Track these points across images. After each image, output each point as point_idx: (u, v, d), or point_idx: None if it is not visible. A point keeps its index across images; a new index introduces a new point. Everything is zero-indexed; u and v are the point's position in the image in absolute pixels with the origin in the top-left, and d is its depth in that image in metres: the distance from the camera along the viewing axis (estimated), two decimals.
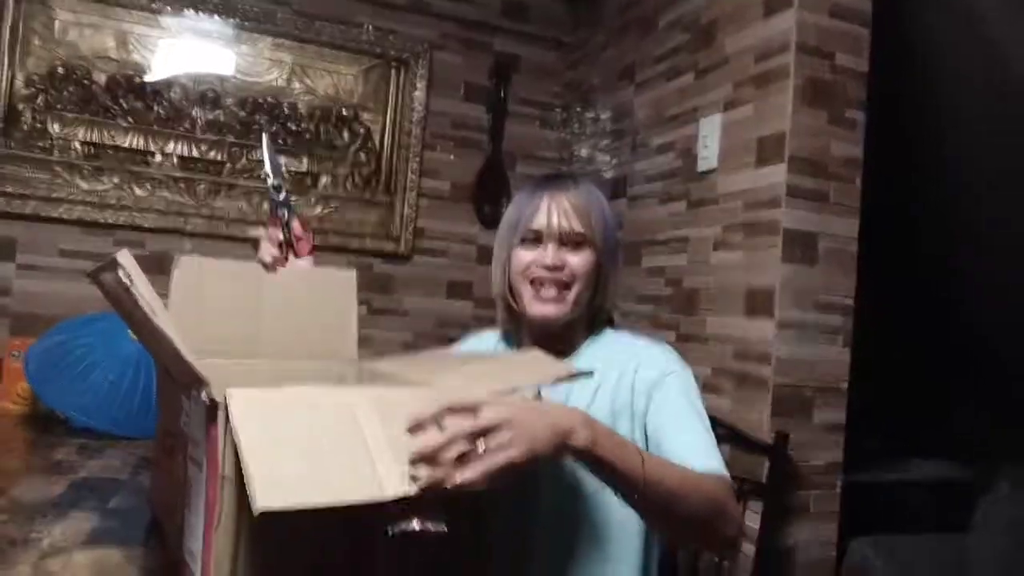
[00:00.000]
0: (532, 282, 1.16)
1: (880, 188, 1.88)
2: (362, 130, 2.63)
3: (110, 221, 2.35)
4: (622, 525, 1.09)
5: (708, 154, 2.03)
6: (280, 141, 2.51)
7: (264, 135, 1.27)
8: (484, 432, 0.73)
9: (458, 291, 2.74)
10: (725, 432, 1.76)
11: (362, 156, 2.63)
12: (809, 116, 1.80)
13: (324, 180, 2.57)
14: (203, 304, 1.07)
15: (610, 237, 1.21)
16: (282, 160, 2.48)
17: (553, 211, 1.16)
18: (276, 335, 1.09)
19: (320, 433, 0.68)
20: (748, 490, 1.73)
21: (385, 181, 2.65)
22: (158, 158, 2.41)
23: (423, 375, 0.96)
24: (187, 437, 0.83)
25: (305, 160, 2.55)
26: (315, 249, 1.18)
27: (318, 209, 2.53)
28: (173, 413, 0.91)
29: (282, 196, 1.15)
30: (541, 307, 1.16)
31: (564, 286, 1.16)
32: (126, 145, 2.37)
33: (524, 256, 1.17)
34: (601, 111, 2.65)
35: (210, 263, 1.10)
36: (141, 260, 0.78)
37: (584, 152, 2.71)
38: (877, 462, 2.25)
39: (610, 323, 1.27)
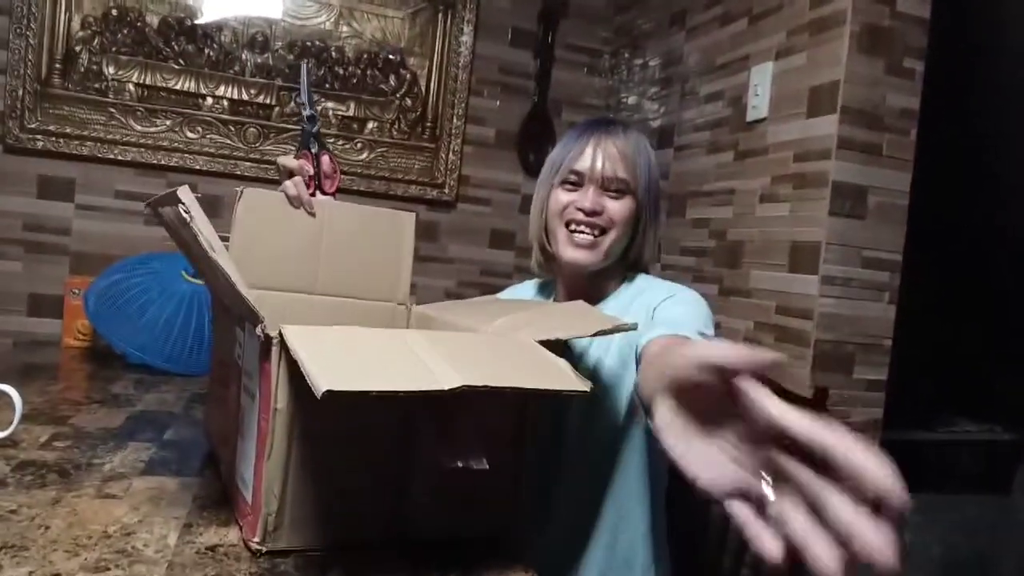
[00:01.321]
0: (568, 224, 1.16)
1: (934, 141, 1.82)
2: (408, 75, 2.62)
3: (163, 163, 2.39)
4: (635, 456, 1.12)
5: (758, 103, 1.98)
6: (327, 85, 2.52)
7: (303, 64, 1.28)
8: None
9: (501, 240, 2.75)
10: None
11: (408, 101, 2.63)
12: (865, 65, 1.74)
13: (370, 126, 2.58)
14: (264, 237, 1.10)
15: (653, 189, 1.20)
16: (323, 102, 2.49)
17: (598, 155, 1.15)
18: (333, 273, 1.12)
19: (375, 351, 0.69)
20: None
21: (431, 127, 2.65)
22: (208, 101, 2.44)
23: (468, 320, 0.98)
24: (241, 369, 0.86)
25: (351, 105, 2.56)
26: (338, 191, 1.19)
27: (364, 155, 2.55)
28: (228, 345, 0.94)
29: (315, 128, 1.16)
30: (573, 251, 1.16)
31: (600, 231, 1.16)
32: (178, 88, 2.41)
33: (563, 197, 1.17)
34: (650, 58, 2.60)
35: (274, 197, 1.12)
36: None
37: (631, 100, 2.67)
38: (920, 420, 2.23)
39: (644, 271, 1.27)
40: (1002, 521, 1.77)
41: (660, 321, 1.04)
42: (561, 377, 0.67)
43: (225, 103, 2.46)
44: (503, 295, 1.42)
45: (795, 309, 1.79)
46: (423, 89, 2.64)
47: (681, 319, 1.04)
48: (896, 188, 1.79)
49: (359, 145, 2.55)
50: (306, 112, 1.16)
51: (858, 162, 1.75)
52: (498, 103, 2.71)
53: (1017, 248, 2.16)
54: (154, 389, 1.68)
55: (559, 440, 1.14)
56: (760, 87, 1.98)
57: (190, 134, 2.42)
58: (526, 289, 1.39)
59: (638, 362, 0.84)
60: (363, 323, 1.09)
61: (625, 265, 1.23)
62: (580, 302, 1.01)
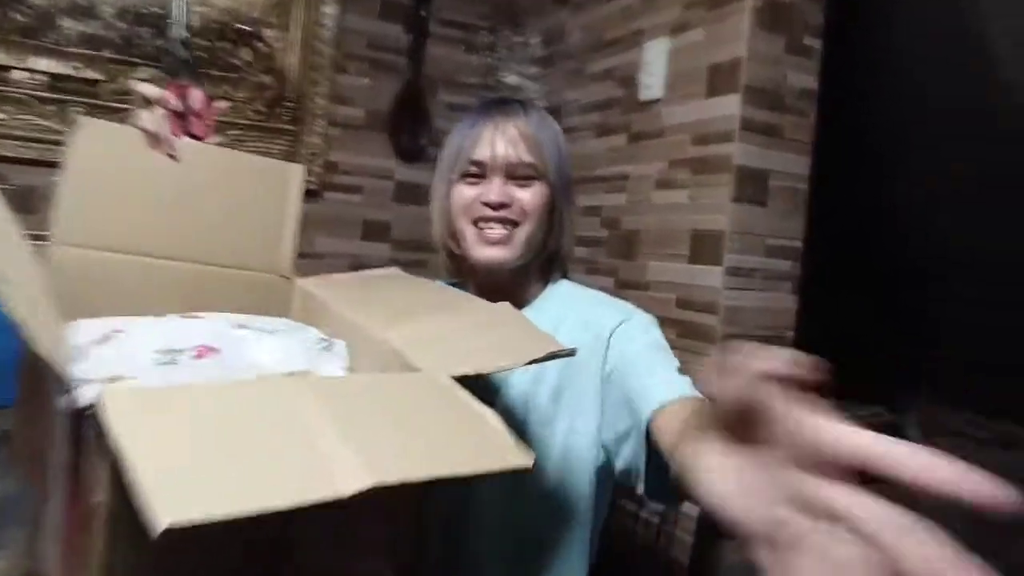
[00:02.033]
0: (475, 222, 1.00)
1: (832, 124, 1.76)
2: (265, 49, 2.33)
3: None
4: (577, 538, 0.96)
5: (652, 82, 1.85)
6: (166, 61, 2.19)
7: None
8: None
9: (375, 232, 2.51)
10: None
11: (265, 79, 2.33)
12: (766, 42, 1.64)
13: (221, 106, 2.26)
14: (106, 183, 0.82)
15: (565, 171, 1.04)
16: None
17: (498, 139, 0.99)
18: (197, 234, 0.86)
19: (246, 429, 0.46)
20: None
21: (292, 107, 2.37)
22: (17, 75, 2.06)
23: (364, 316, 0.77)
24: (51, 417, 0.62)
25: (199, 82, 2.24)
26: (212, 132, 0.93)
27: (216, 138, 2.23)
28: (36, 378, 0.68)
29: (186, 55, 0.89)
30: (486, 250, 1.00)
31: (512, 225, 0.99)
32: None
33: (466, 192, 1.01)
34: (531, 34, 2.43)
35: (124, 132, 0.84)
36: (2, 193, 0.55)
37: (512, 79, 2.49)
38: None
39: (564, 274, 1.11)
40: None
41: (643, 370, 0.91)
42: (495, 447, 0.48)
43: (42, 78, 2.08)
44: None
45: (698, 303, 1.68)
46: (282, 65, 2.35)
47: (665, 365, 0.92)
48: (797, 172, 1.71)
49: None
50: (180, 34, 0.88)
51: (760, 145, 1.65)
52: (367, 81, 2.46)
53: (915, 233, 2.16)
54: None
55: (468, 524, 0.95)
56: (654, 65, 1.85)
57: None
58: None
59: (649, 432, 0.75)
60: (233, 300, 0.85)
61: (544, 261, 1.06)
62: (506, 306, 0.83)
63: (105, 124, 0.83)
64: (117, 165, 0.83)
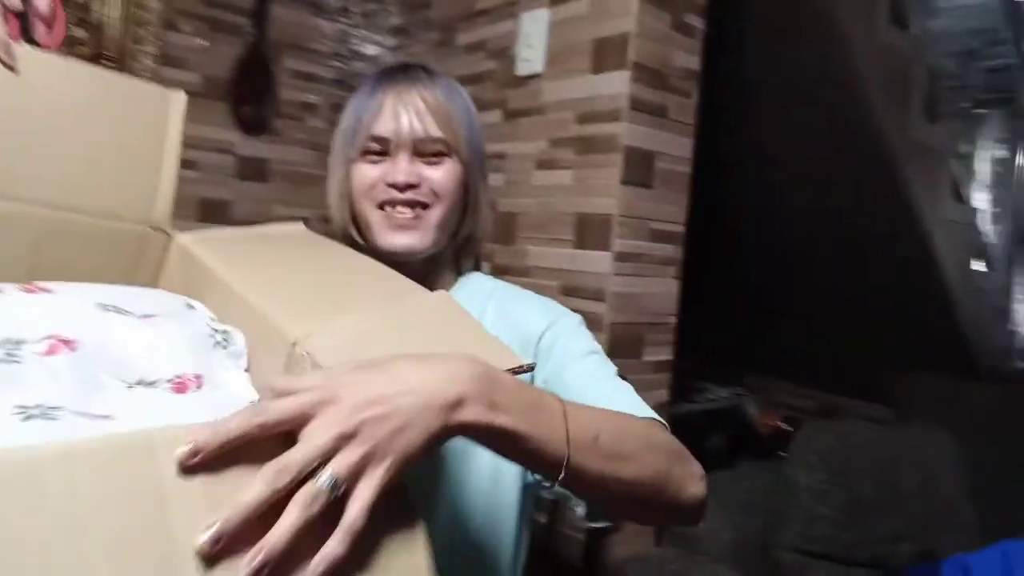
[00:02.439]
0: (381, 206, 0.87)
1: (714, 106, 1.73)
2: None
3: None
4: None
5: (531, 56, 1.74)
6: None
7: None
8: (324, 459, 0.44)
9: (214, 212, 2.24)
10: None
11: (78, 32, 1.99)
12: (653, 18, 1.57)
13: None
14: None
15: (477, 145, 0.93)
16: None
17: (402, 112, 0.86)
18: (44, 169, 0.64)
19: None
20: None
21: (112, 68, 2.05)
22: None
23: (269, 298, 0.59)
24: None
25: None
26: (61, 42, 0.69)
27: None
28: None
29: None
30: (394, 236, 0.87)
31: (422, 207, 0.87)
32: None
33: (367, 172, 0.88)
34: (392, 1, 2.25)
35: None
36: None
37: (370, 50, 2.30)
38: (683, 392, 2.20)
39: (476, 264, 0.98)
40: (780, 489, 1.75)
41: (587, 386, 0.79)
42: None
43: None
44: None
45: (585, 289, 1.60)
46: (100, 18, 2.02)
47: (611, 380, 0.82)
48: (680, 155, 1.67)
49: None
50: None
51: (647, 125, 1.59)
52: (203, 42, 2.18)
53: (770, 218, 2.20)
54: None
55: None
56: (533, 37, 1.74)
57: None
58: None
59: None
60: (91, 257, 0.65)
61: (456, 249, 0.93)
62: (444, 296, 0.69)
63: None
64: None
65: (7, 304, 0.51)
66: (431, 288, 0.87)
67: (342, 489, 0.44)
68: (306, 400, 0.45)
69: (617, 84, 1.55)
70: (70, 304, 0.53)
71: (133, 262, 0.69)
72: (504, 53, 1.84)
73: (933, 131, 2.44)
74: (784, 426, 3.09)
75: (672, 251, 1.68)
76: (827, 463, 1.71)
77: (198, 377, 0.53)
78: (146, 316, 0.56)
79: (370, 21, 2.32)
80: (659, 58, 1.59)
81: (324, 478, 0.43)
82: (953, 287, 2.53)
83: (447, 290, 0.91)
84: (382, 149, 0.86)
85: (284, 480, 0.42)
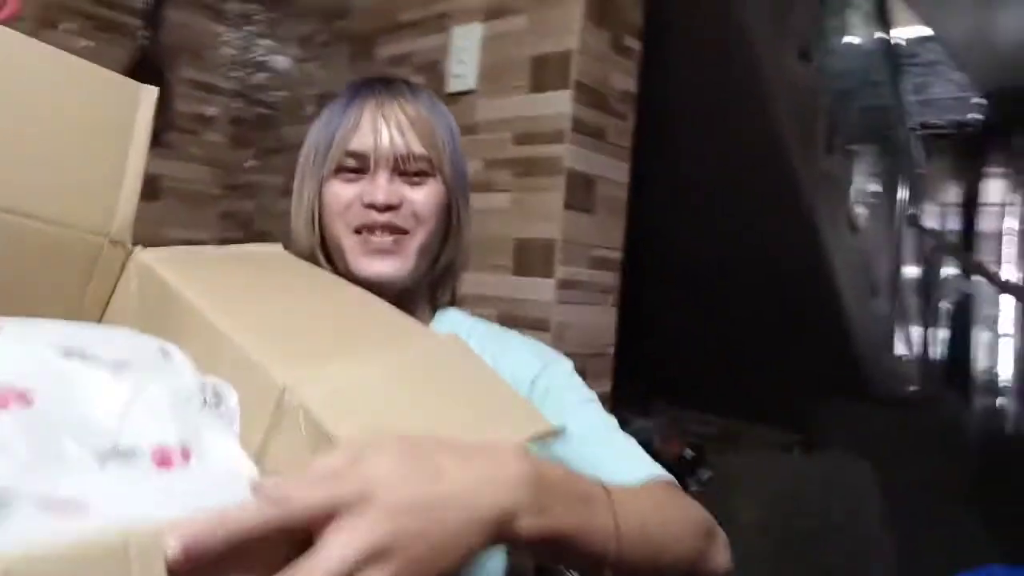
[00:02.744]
0: (357, 230, 0.78)
1: (646, 130, 1.71)
2: None
3: None
4: None
5: (464, 71, 1.66)
6: None
7: None
8: (356, 569, 0.36)
9: None
10: None
11: None
12: (594, 37, 1.53)
13: None
14: None
15: (460, 165, 0.87)
16: None
17: (382, 126, 0.78)
18: None
19: None
20: None
21: None
22: None
23: (277, 353, 0.48)
24: None
25: None
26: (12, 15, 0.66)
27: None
28: None
29: None
30: (371, 263, 0.78)
31: (402, 233, 0.79)
32: None
33: (342, 192, 0.79)
34: (302, 9, 2.11)
35: None
36: None
37: (281, 61, 2.14)
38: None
39: (453, 297, 0.90)
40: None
41: (592, 440, 0.72)
42: None
43: None
44: None
45: (526, 318, 1.52)
46: None
47: (614, 433, 0.75)
48: (617, 179, 1.63)
49: None
50: None
51: (588, 148, 1.53)
52: (88, 43, 1.96)
53: (729, 241, 2.21)
54: None
55: None
56: (466, 52, 1.66)
57: None
58: None
59: None
60: (36, 272, 0.56)
61: (434, 279, 0.84)
62: (454, 340, 0.60)
63: None
64: None
65: None
66: None
67: None
68: (336, 495, 0.37)
69: (559, 104, 1.49)
70: (24, 346, 0.42)
71: (85, 278, 0.59)
72: (432, 68, 1.74)
73: (832, 162, 2.54)
74: (688, 453, 3.12)
75: (611, 278, 1.63)
76: (769, 496, 1.69)
77: (184, 448, 0.42)
78: (117, 364, 0.44)
79: (277, 30, 2.17)
80: (599, 78, 1.54)
81: None
82: (850, 314, 2.63)
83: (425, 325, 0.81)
84: (359, 166, 0.78)
85: None
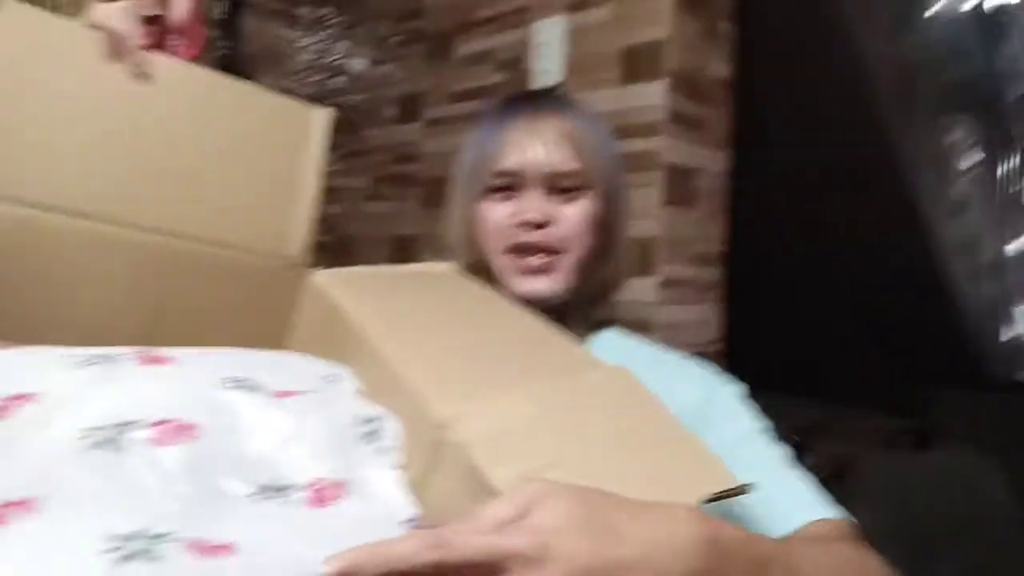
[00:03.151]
0: (510, 251, 0.76)
1: (744, 118, 1.62)
2: None
3: None
4: None
5: (548, 67, 1.60)
6: None
7: None
8: None
9: None
10: None
11: None
12: (685, 24, 1.45)
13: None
14: (37, 105, 0.52)
15: (618, 180, 0.82)
16: None
17: (533, 142, 0.75)
18: (170, 191, 0.56)
19: None
20: None
21: None
22: None
23: (442, 388, 0.47)
24: None
25: None
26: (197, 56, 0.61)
27: None
28: None
29: None
30: (525, 282, 0.76)
31: (553, 252, 0.76)
32: None
33: (494, 213, 0.77)
34: (377, 11, 2.09)
35: (68, 31, 0.54)
36: None
37: (358, 65, 2.12)
38: None
39: (611, 318, 0.86)
40: None
41: (761, 468, 0.64)
42: None
43: None
44: None
45: (628, 320, 1.45)
46: None
47: (785, 468, 0.69)
48: (717, 171, 1.55)
49: None
50: None
51: (686, 140, 1.46)
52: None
53: (841, 234, 2.12)
54: None
55: None
56: (549, 47, 1.60)
57: None
58: None
59: None
60: (213, 294, 0.58)
61: (591, 293, 0.81)
62: (623, 372, 0.55)
63: (41, 15, 0.52)
64: (57, 79, 0.52)
65: (118, 379, 0.41)
66: None
67: None
68: (506, 546, 0.35)
69: (653, 95, 1.42)
70: (193, 378, 0.43)
71: (265, 301, 0.61)
72: (514, 65, 1.69)
73: (935, 139, 2.39)
74: (793, 438, 3.01)
75: (714, 274, 1.55)
76: (892, 499, 1.60)
77: (340, 484, 0.42)
78: (281, 394, 0.45)
79: (351, 33, 2.15)
80: (693, 67, 1.47)
81: None
82: (957, 297, 2.48)
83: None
84: (510, 184, 0.76)
85: None
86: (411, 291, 0.67)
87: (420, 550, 0.34)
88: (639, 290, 1.44)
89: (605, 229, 0.79)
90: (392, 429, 0.46)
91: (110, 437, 0.37)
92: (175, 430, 0.39)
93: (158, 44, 0.57)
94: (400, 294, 0.65)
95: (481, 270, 0.77)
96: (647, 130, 1.44)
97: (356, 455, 0.43)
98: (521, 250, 0.75)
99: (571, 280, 0.76)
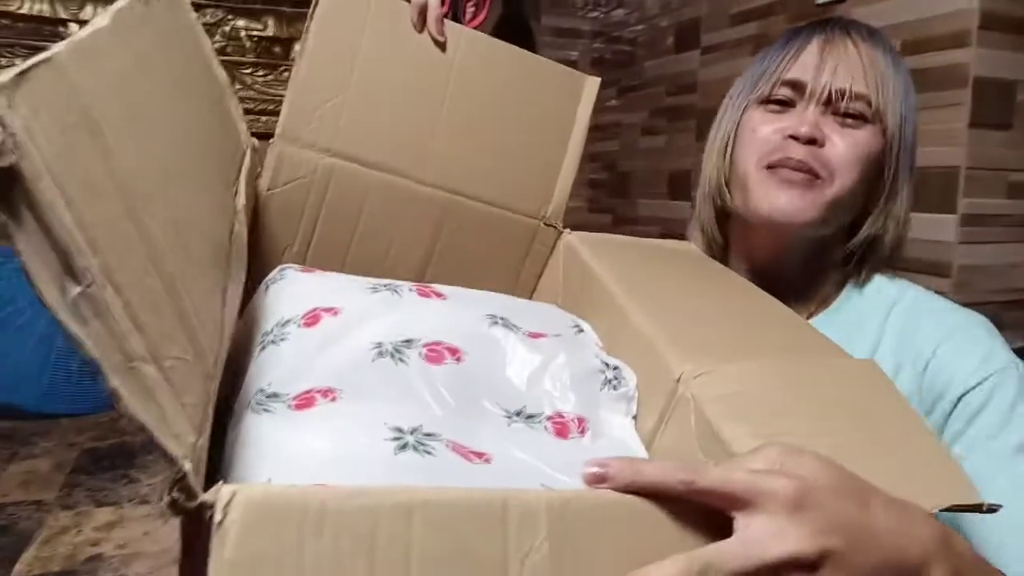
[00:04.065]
0: (771, 167, 0.67)
1: None
2: None
3: None
4: None
5: None
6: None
7: None
8: (773, 572, 0.34)
9: None
10: None
11: None
12: None
13: (298, 47, 1.96)
14: (352, 69, 0.64)
15: (909, 127, 0.69)
16: (242, 23, 1.88)
17: (827, 60, 0.68)
18: (453, 151, 0.65)
19: None
20: None
21: None
22: (73, 27, 1.80)
23: (679, 347, 0.48)
24: None
25: (270, 21, 1.93)
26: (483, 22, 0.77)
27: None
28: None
29: None
30: (772, 196, 0.66)
31: (815, 175, 0.65)
32: (25, 12, 1.75)
33: (762, 124, 0.69)
34: None
35: (379, 2, 0.65)
36: None
37: None
38: None
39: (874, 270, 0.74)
40: None
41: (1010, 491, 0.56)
42: None
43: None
44: None
45: (920, 263, 1.30)
46: None
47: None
48: None
49: (285, 74, 1.94)
50: None
51: (1004, 48, 1.23)
52: None
53: None
54: (23, 452, 1.15)
55: None
56: None
57: None
58: None
59: None
60: (483, 246, 0.67)
61: (858, 243, 0.70)
62: (870, 364, 0.51)
63: None
64: (368, 46, 0.63)
65: (401, 305, 0.49)
66: (799, 288, 0.70)
67: None
68: (764, 485, 0.35)
69: (959, 0, 1.22)
70: (461, 312, 0.50)
71: (522, 254, 0.68)
72: None
73: None
74: None
75: None
76: None
77: (581, 420, 0.45)
78: (533, 335, 0.50)
79: None
80: None
81: None
82: None
83: (833, 294, 0.71)
84: (790, 97, 0.68)
85: None
86: (653, 260, 0.69)
87: (674, 471, 0.35)
88: (935, 228, 1.27)
89: (881, 172, 0.69)
90: (631, 379, 0.49)
91: (393, 350, 0.44)
92: (446, 351, 0.45)
93: (454, 10, 0.66)
94: (643, 262, 0.67)
95: (727, 185, 0.72)
96: (952, 40, 1.23)
97: (597, 397, 0.47)
98: (780, 165, 0.67)
99: (824, 213, 0.65)
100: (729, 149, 0.72)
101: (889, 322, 0.67)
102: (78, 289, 0.26)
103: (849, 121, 0.65)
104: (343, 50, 0.63)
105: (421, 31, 0.65)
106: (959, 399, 0.61)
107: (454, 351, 0.46)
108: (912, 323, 0.66)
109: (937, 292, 1.18)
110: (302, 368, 0.42)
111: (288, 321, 0.46)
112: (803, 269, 0.70)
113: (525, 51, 0.67)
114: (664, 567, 0.34)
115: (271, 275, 0.51)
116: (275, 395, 0.40)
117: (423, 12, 0.64)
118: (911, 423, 0.47)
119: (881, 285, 0.69)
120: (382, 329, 0.46)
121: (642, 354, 0.49)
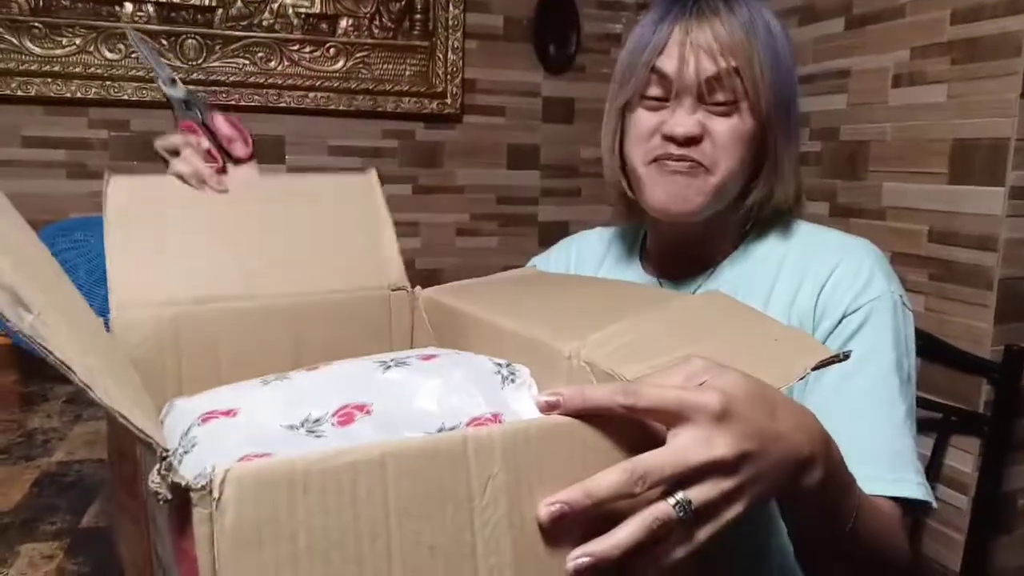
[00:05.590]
0: (655, 161, 0.75)
1: None
2: None
3: (80, 95, 1.83)
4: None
5: None
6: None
7: (129, 30, 0.95)
8: (688, 481, 0.41)
9: (523, 158, 2.20)
10: (922, 344, 1.27)
11: None
12: None
13: (343, 24, 1.99)
14: (161, 239, 0.69)
15: (785, 93, 0.75)
16: (289, 0, 1.91)
17: (689, 49, 0.72)
18: (283, 266, 0.73)
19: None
20: (959, 423, 1.27)
21: (421, 20, 2.06)
22: (129, 7, 1.85)
23: (552, 333, 0.56)
24: (148, 509, 0.46)
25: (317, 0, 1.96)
26: (254, 148, 0.82)
27: (339, 63, 1.97)
28: (129, 440, 0.51)
29: (181, 92, 0.81)
30: (663, 195, 0.75)
31: (701, 169, 0.73)
32: None
33: (643, 121, 0.76)
34: None
35: (162, 183, 0.73)
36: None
37: None
38: None
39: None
40: None
41: (848, 418, 0.66)
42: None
43: (150, 8, 1.87)
44: (550, 261, 0.97)
45: (966, 236, 1.28)
46: None
47: (883, 417, 0.68)
48: None
49: (332, 51, 1.96)
50: (161, 76, 0.81)
51: None
52: None
53: None
54: (88, 416, 1.25)
55: None
56: None
57: (109, 54, 1.84)
58: (591, 246, 0.95)
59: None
60: (349, 327, 0.73)
61: (748, 211, 0.78)
62: (715, 294, 0.61)
63: (140, 179, 0.72)
64: (171, 215, 0.71)
65: (295, 386, 0.51)
66: (705, 252, 0.80)
67: (688, 520, 0.40)
68: (696, 401, 0.40)
69: None
70: (353, 370, 0.53)
71: (386, 323, 0.75)
72: None
73: None
74: None
75: None
76: None
77: (496, 416, 0.48)
78: (426, 357, 0.54)
79: None
80: None
81: (679, 504, 0.39)
82: None
83: (722, 257, 0.80)
84: (661, 93, 0.74)
85: (641, 486, 0.38)
86: (505, 284, 0.77)
87: (615, 395, 0.40)
88: (982, 200, 1.25)
89: (764, 148, 0.74)
90: (524, 370, 0.53)
91: (306, 432, 0.47)
92: (354, 411, 0.47)
93: (225, 158, 0.77)
94: (498, 289, 0.75)
95: (625, 181, 0.79)
96: (1005, 7, 1.21)
97: (501, 394, 0.50)
98: (666, 158, 0.73)
99: (709, 202, 0.74)
100: (617, 146, 0.79)
101: (784, 266, 0.75)
102: None
103: (722, 108, 0.72)
104: (146, 226, 0.68)
105: (205, 190, 0.73)
106: (841, 319, 0.70)
107: (361, 407, 0.48)
108: (805, 258, 0.74)
109: (979, 267, 1.21)
110: (224, 452, 0.43)
111: (188, 428, 0.46)
112: (701, 238, 0.79)
113: (300, 175, 0.82)
114: (608, 474, 0.38)
115: (162, 412, 0.52)
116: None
117: (193, 175, 0.72)
118: (763, 320, 0.55)
119: (774, 238, 0.78)
120: (288, 413, 0.48)
121: (529, 352, 0.54)
